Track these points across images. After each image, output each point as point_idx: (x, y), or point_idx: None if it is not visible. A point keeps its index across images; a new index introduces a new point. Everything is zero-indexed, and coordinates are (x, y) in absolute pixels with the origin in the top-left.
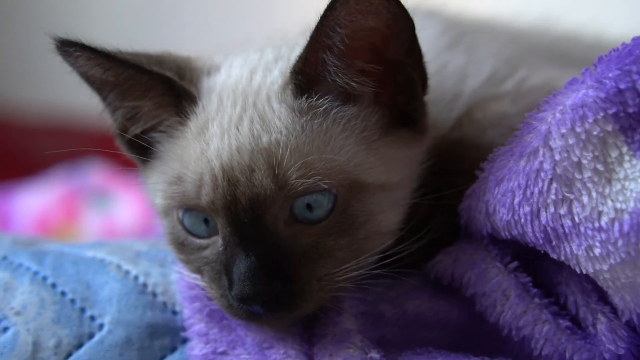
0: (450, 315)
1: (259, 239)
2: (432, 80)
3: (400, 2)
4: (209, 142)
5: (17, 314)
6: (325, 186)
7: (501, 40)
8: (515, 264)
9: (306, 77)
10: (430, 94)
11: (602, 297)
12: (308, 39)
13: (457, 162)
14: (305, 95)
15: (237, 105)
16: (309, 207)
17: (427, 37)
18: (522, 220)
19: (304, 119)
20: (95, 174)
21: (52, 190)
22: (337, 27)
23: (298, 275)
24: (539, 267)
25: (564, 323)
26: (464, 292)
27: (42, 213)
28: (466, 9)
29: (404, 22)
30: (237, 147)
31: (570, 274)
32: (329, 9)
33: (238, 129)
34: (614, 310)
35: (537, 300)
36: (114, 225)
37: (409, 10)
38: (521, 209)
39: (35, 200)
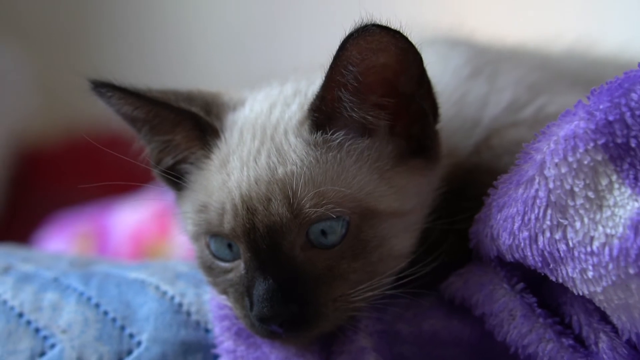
0: (463, 334)
1: (276, 264)
2: (453, 109)
3: (407, 38)
4: (230, 174)
5: (64, 332)
6: (338, 214)
7: (526, 67)
8: (521, 285)
9: (323, 114)
10: (450, 122)
11: (604, 317)
12: (323, 77)
13: (473, 187)
14: (321, 131)
15: (256, 139)
16: (323, 233)
17: (451, 68)
18: (522, 244)
19: (319, 152)
20: None
21: (147, 206)
22: (350, 65)
23: (314, 297)
24: (546, 288)
25: (567, 342)
26: (474, 311)
27: (136, 229)
28: (498, 35)
29: (413, 56)
30: (255, 178)
31: (574, 295)
32: (341, 49)
33: (256, 162)
34: (615, 329)
35: (541, 320)
36: None
37: (416, 45)
38: (520, 234)
39: (131, 217)
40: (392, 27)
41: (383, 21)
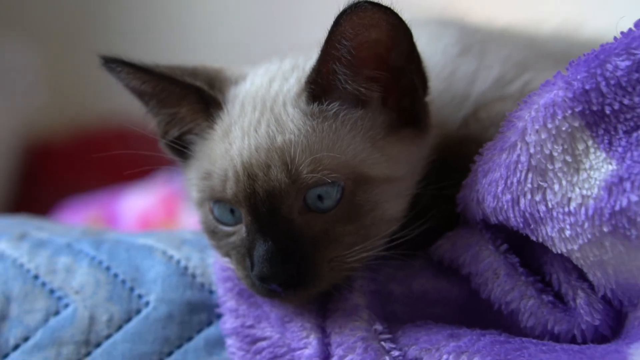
0: (451, 293)
1: (275, 227)
2: (443, 84)
3: (397, 15)
4: (232, 143)
5: (77, 292)
6: (333, 179)
7: (514, 46)
8: (505, 246)
9: (319, 86)
10: (440, 96)
11: (582, 275)
12: (319, 52)
13: (460, 157)
14: (317, 102)
15: (257, 110)
16: (319, 197)
17: (442, 46)
18: (505, 207)
19: (315, 121)
20: None
21: (154, 192)
22: (344, 40)
23: (311, 257)
24: (528, 249)
25: (547, 298)
26: (461, 271)
27: (144, 213)
28: (491, 18)
29: (403, 32)
30: (256, 146)
31: (554, 255)
32: (335, 24)
33: (256, 131)
34: (591, 286)
35: (523, 278)
36: None
37: (407, 22)
38: (504, 197)
39: (139, 202)
40: (384, 4)
41: None
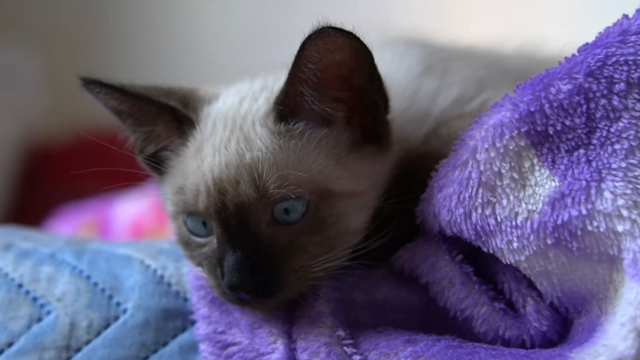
0: (410, 301)
1: (244, 238)
2: (406, 103)
3: (359, 39)
4: (204, 159)
5: (58, 300)
6: (299, 194)
7: (475, 65)
8: (460, 257)
9: (286, 107)
10: (403, 114)
11: (531, 283)
12: (287, 74)
13: (421, 172)
14: (284, 122)
15: (227, 129)
16: (286, 211)
17: (405, 66)
18: (458, 220)
19: (282, 140)
20: None
21: (145, 198)
22: (310, 63)
23: (278, 267)
24: (482, 259)
25: (499, 305)
26: (420, 280)
27: (136, 219)
28: (456, 37)
29: (364, 54)
30: (226, 163)
31: (505, 265)
32: (301, 49)
33: (227, 149)
34: (540, 294)
35: (477, 287)
36: None
37: (368, 45)
38: (457, 211)
39: (131, 208)
40: (346, 29)
41: (338, 24)
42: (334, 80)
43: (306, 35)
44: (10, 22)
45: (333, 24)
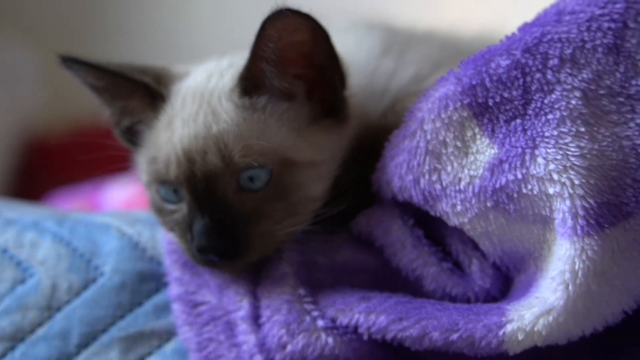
0: (368, 263)
1: (212, 205)
2: (365, 81)
3: (315, 20)
4: (174, 132)
5: (41, 264)
6: (262, 163)
7: (433, 46)
8: (412, 221)
9: (250, 82)
10: (363, 91)
11: (476, 245)
12: (250, 52)
13: (378, 144)
14: (248, 96)
15: (195, 103)
16: (250, 179)
17: (365, 47)
18: (408, 186)
19: (246, 113)
20: None
21: (135, 183)
22: (270, 42)
23: (244, 232)
24: (432, 223)
25: (446, 265)
26: (375, 244)
27: (126, 203)
28: (416, 21)
29: (322, 35)
30: (194, 134)
31: (453, 228)
32: (261, 29)
33: (195, 121)
34: (484, 255)
35: (427, 248)
36: None
37: (324, 26)
38: (407, 178)
39: (121, 192)
40: (303, 12)
41: (295, 7)
42: (294, 58)
43: (265, 16)
44: (8, 18)
45: (290, 7)
